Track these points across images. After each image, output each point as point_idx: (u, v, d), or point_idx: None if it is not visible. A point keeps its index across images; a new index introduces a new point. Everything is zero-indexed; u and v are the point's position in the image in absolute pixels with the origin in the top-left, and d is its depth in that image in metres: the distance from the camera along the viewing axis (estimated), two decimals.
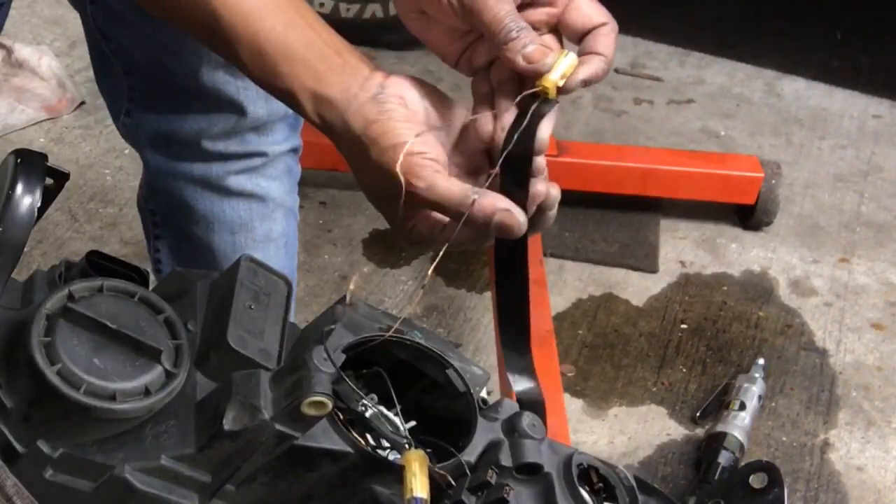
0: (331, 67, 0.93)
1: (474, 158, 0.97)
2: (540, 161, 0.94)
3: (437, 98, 0.96)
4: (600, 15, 0.96)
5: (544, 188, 0.96)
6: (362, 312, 0.90)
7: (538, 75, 0.93)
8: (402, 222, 0.95)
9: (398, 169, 0.90)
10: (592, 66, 0.94)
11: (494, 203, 0.90)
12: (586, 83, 0.94)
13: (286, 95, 0.94)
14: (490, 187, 0.93)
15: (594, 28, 0.96)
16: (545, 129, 0.93)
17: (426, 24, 1.00)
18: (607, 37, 0.96)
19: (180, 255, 1.65)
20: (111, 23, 1.43)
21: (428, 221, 0.94)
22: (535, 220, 0.95)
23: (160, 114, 1.51)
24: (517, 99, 0.94)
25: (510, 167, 0.93)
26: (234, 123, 1.49)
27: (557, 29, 0.97)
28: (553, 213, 0.97)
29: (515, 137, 0.92)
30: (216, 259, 1.59)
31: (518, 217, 0.91)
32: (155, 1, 0.98)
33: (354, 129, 0.92)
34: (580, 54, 0.95)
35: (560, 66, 0.93)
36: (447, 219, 0.93)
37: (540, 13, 0.96)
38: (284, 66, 0.93)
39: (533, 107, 0.93)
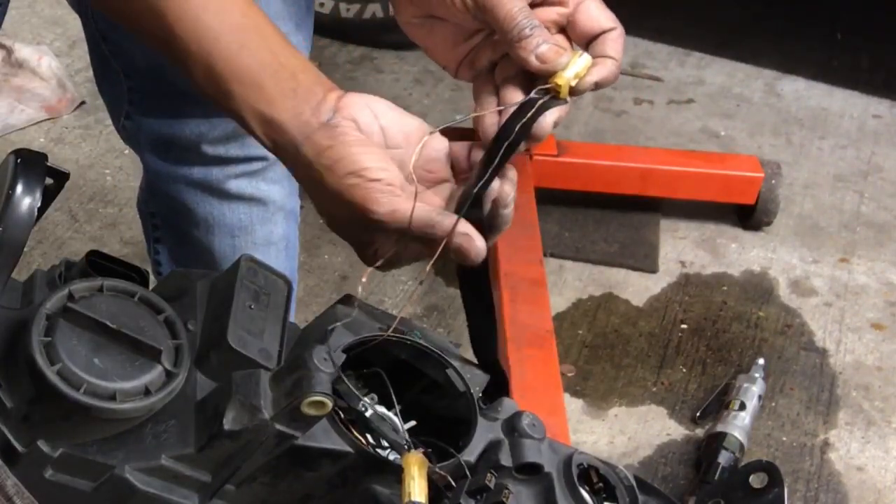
0: (283, 91, 0.91)
1: (435, 172, 0.95)
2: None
3: (394, 116, 0.94)
4: (608, 19, 0.96)
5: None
6: (362, 312, 0.90)
7: (551, 75, 0.92)
8: (367, 247, 0.93)
9: (354, 197, 0.89)
10: (605, 70, 0.94)
11: (460, 230, 0.89)
12: (598, 86, 0.94)
13: (236, 115, 0.93)
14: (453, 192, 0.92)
15: (603, 32, 0.95)
16: (550, 118, 0.92)
17: (428, 30, 0.99)
18: (616, 41, 0.95)
19: (180, 257, 1.64)
20: (112, 25, 1.43)
21: (390, 244, 0.92)
22: (492, 222, 0.93)
23: (160, 117, 1.50)
24: (531, 93, 0.93)
25: (489, 159, 0.92)
26: (235, 128, 1.48)
27: (566, 30, 0.96)
28: (509, 210, 0.94)
29: (517, 129, 0.91)
30: (216, 262, 1.59)
31: (476, 243, 0.89)
32: (112, 9, 0.97)
33: (307, 155, 0.90)
34: None
35: (574, 66, 0.92)
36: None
37: (551, 12, 0.96)
38: (236, 87, 0.91)
39: (540, 101, 0.92)
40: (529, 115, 0.91)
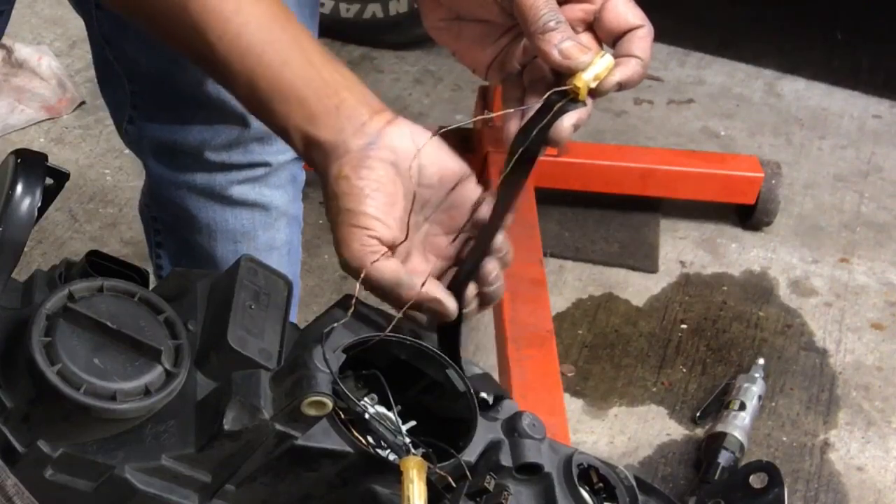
0: (326, 108, 0.89)
1: (455, 220, 0.94)
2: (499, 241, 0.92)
3: (435, 155, 0.92)
4: (636, 17, 0.93)
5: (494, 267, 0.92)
6: (362, 312, 0.90)
7: (572, 73, 0.89)
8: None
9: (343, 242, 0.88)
10: (629, 69, 0.91)
11: (426, 293, 0.89)
12: (622, 86, 0.91)
13: (280, 132, 0.92)
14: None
15: (630, 30, 0.93)
16: (567, 121, 0.90)
17: (456, 33, 0.98)
18: (643, 40, 0.93)
19: (182, 262, 1.64)
20: (116, 30, 1.42)
21: None
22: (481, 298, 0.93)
23: (163, 123, 1.50)
24: (545, 95, 0.90)
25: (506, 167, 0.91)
26: (238, 135, 1.48)
27: (593, 28, 0.94)
28: (495, 287, 0.93)
29: (533, 133, 0.89)
30: (218, 268, 1.58)
31: (448, 306, 0.90)
32: (153, 26, 0.95)
33: (330, 174, 0.89)
34: (615, 57, 0.92)
35: (594, 67, 0.89)
36: None
37: (576, 10, 0.93)
38: (278, 105, 0.90)
39: (558, 105, 0.89)
40: (547, 119, 0.89)
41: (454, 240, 0.95)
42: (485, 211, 0.93)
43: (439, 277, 0.94)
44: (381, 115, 0.90)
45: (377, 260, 0.88)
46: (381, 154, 0.89)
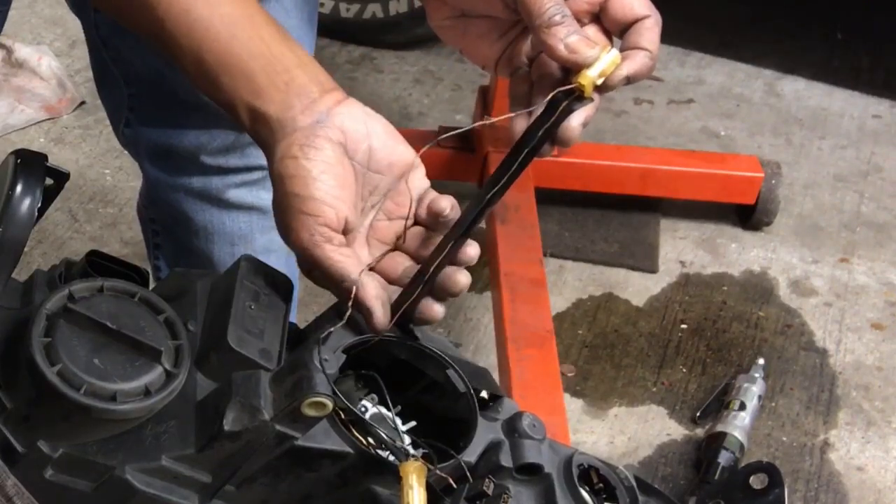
0: (273, 83, 0.87)
1: (401, 207, 0.91)
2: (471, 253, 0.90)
3: (387, 141, 0.90)
4: (643, 6, 0.92)
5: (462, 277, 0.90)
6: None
7: (579, 67, 0.88)
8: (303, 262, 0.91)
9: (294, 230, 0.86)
10: (636, 63, 0.90)
11: (364, 298, 0.86)
12: (630, 80, 0.90)
13: (227, 107, 0.90)
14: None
15: (637, 20, 0.91)
16: (575, 121, 0.89)
17: (462, 30, 0.97)
18: (651, 30, 0.91)
19: (180, 264, 1.63)
20: (113, 32, 1.42)
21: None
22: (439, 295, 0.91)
23: (159, 127, 1.49)
24: (550, 94, 0.88)
25: (507, 165, 0.89)
26: (234, 139, 1.47)
27: (600, 20, 0.93)
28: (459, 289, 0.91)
29: (539, 134, 0.88)
30: (216, 270, 1.58)
31: (378, 321, 0.87)
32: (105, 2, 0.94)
33: (276, 155, 0.87)
34: (622, 49, 0.91)
35: (600, 64, 0.88)
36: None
37: (581, 2, 0.92)
38: (224, 78, 0.88)
39: (563, 104, 0.88)
40: (552, 119, 0.88)
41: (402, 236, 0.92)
42: (442, 205, 0.90)
43: (377, 267, 0.91)
44: (332, 94, 0.89)
45: (328, 248, 0.86)
46: (329, 133, 0.87)
